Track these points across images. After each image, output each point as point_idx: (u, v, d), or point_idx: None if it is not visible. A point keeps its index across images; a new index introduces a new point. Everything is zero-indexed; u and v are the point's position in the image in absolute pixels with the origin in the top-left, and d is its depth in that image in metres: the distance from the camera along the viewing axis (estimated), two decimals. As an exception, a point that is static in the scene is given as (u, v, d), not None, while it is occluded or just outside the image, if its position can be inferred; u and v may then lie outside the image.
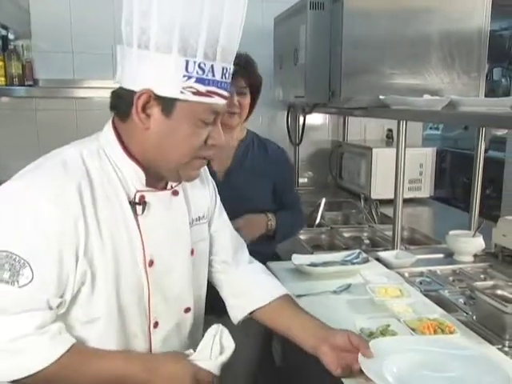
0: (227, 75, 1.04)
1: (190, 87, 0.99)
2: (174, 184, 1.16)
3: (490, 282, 1.55)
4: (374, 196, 2.88)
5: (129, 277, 1.09)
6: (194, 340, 1.22)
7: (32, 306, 0.97)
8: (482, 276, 1.86)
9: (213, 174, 1.79)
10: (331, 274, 1.73)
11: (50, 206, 0.97)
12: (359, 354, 1.14)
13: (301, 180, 3.57)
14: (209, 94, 1.01)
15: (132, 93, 1.01)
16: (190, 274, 1.22)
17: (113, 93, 1.09)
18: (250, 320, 1.37)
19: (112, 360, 1.06)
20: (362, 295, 1.56)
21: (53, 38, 3.13)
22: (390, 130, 3.50)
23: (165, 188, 1.16)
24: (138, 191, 1.09)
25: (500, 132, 2.48)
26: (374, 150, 2.96)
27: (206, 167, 1.31)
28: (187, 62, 0.98)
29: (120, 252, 1.07)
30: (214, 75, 1.01)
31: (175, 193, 1.17)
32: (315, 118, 3.53)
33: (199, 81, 0.99)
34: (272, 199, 1.95)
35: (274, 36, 3.03)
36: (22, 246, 0.96)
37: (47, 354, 0.98)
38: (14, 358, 0.96)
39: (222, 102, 1.04)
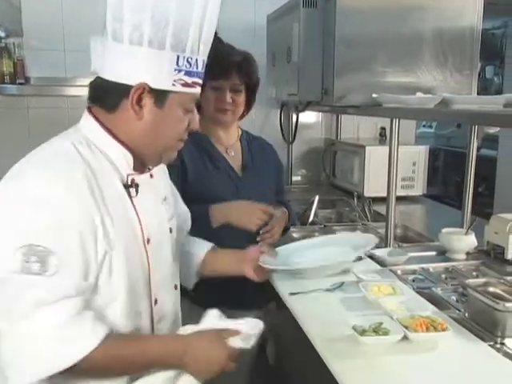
0: (204, 66, 1.15)
1: (180, 79, 1.08)
2: (150, 167, 1.24)
3: (482, 280, 1.55)
4: (367, 194, 2.88)
5: (134, 255, 1.15)
6: (177, 317, 1.32)
7: (65, 293, 1.00)
8: (474, 273, 1.86)
9: (233, 171, 1.85)
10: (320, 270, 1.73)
11: (66, 193, 1.02)
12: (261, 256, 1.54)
13: (294, 178, 3.57)
14: (193, 84, 1.12)
15: (124, 86, 1.07)
16: (174, 251, 1.32)
17: (95, 86, 1.13)
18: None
19: (148, 343, 1.12)
20: (355, 293, 1.56)
21: (44, 35, 3.11)
22: (383, 128, 3.50)
23: (143, 172, 1.22)
24: (128, 174, 1.16)
25: (492, 130, 2.48)
26: (367, 148, 2.96)
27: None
28: (178, 57, 1.07)
29: (125, 232, 1.12)
30: (197, 67, 1.11)
31: (151, 176, 1.25)
32: (308, 116, 3.53)
33: (187, 73, 1.09)
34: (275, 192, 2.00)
35: (267, 34, 3.03)
36: (45, 236, 0.99)
37: (91, 338, 1.01)
38: (63, 346, 0.99)
39: (199, 90, 1.15)
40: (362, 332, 1.28)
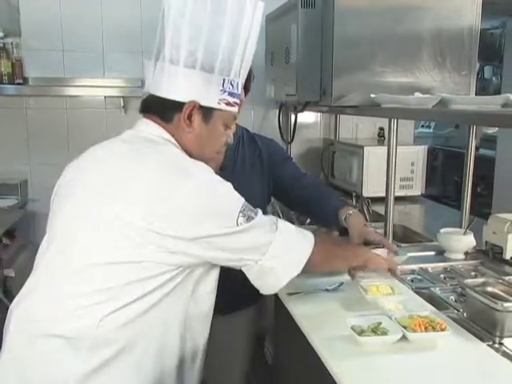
0: (242, 89, 1.32)
1: (224, 99, 1.26)
2: None
3: (480, 280, 1.55)
4: (365, 194, 2.88)
5: None
6: None
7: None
8: (472, 273, 1.86)
9: None
10: None
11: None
12: None
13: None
14: (234, 104, 1.29)
15: (178, 103, 1.23)
16: None
17: (149, 102, 1.29)
18: (243, 321, 1.39)
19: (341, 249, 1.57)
20: (355, 293, 1.56)
21: (43, 35, 3.11)
22: (381, 129, 3.50)
23: None
24: None
25: (491, 130, 2.48)
26: (365, 148, 2.96)
27: None
28: (224, 80, 1.24)
29: None
30: (237, 90, 1.29)
31: None
32: (307, 117, 3.53)
33: (230, 94, 1.26)
34: (266, 195, 1.94)
35: (266, 34, 3.03)
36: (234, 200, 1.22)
37: (311, 237, 1.35)
38: (302, 242, 1.32)
39: (237, 109, 1.32)
40: (361, 332, 1.28)
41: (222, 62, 1.23)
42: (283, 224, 1.30)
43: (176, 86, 1.23)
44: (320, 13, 2.37)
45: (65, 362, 1.12)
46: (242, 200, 1.22)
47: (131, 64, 3.17)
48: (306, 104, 2.65)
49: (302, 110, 2.84)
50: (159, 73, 1.24)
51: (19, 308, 1.20)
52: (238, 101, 1.30)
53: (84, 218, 1.16)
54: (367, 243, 1.73)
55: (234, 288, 1.61)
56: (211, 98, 1.24)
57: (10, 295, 2.52)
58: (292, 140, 3.41)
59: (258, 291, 1.35)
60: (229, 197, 1.21)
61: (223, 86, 1.24)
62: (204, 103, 1.24)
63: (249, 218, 1.20)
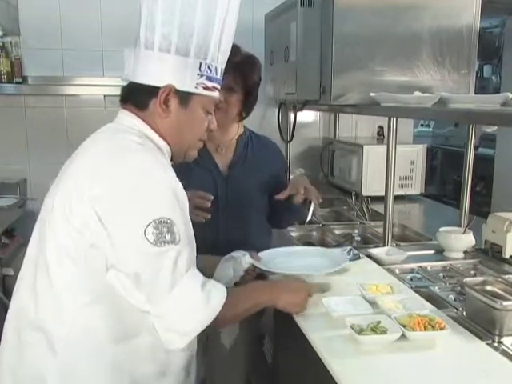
0: (222, 74, 1.30)
1: (202, 83, 1.23)
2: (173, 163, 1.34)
3: (479, 278, 1.55)
4: (365, 193, 2.88)
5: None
6: None
7: (193, 258, 1.19)
8: (472, 272, 1.87)
9: (216, 168, 1.84)
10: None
11: (171, 175, 1.17)
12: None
13: (292, 177, 3.57)
14: (213, 88, 1.26)
15: (153, 87, 1.21)
16: None
17: (127, 89, 1.27)
18: (243, 320, 1.39)
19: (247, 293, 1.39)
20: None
21: (42, 34, 3.11)
22: (380, 127, 3.50)
23: None
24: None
25: (490, 129, 2.48)
26: (364, 147, 2.96)
27: None
28: (200, 63, 1.22)
29: None
30: (216, 74, 1.26)
31: None
32: (306, 115, 3.53)
33: (208, 78, 1.23)
34: (267, 196, 1.95)
35: (265, 33, 3.02)
36: (167, 209, 1.13)
37: (223, 294, 1.20)
38: (207, 305, 1.17)
39: (218, 94, 1.29)
40: (360, 331, 1.28)
41: (197, 46, 1.21)
42: (191, 280, 1.15)
43: (151, 70, 1.21)
44: (319, 11, 2.37)
45: (43, 357, 1.13)
46: (170, 215, 1.11)
47: (130, 63, 3.17)
48: (306, 103, 2.65)
49: (301, 109, 2.84)
50: (135, 59, 1.22)
51: (13, 297, 1.25)
52: (217, 85, 1.27)
53: (47, 208, 1.19)
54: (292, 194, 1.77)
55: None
56: (188, 83, 1.22)
57: (9, 294, 2.52)
58: (291, 139, 3.40)
59: None
60: (154, 200, 1.12)
61: (200, 69, 1.22)
62: (180, 87, 1.21)
63: (160, 238, 1.09)
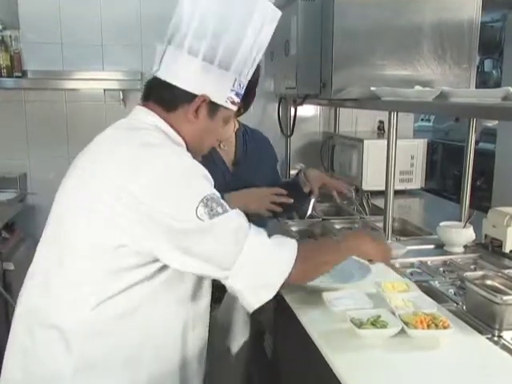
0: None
1: (231, 98, 1.28)
2: None
3: (479, 273, 1.55)
4: (365, 187, 2.88)
5: None
6: None
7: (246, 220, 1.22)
8: (472, 266, 1.87)
9: (223, 164, 1.87)
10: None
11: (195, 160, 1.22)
12: None
13: (292, 171, 3.56)
14: (237, 103, 1.31)
15: (188, 93, 1.23)
16: None
17: (154, 85, 1.28)
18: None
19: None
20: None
21: (41, 28, 3.10)
22: (381, 122, 3.49)
23: None
24: None
25: (491, 123, 2.48)
26: (365, 141, 2.95)
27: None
28: (235, 79, 1.26)
29: None
30: (242, 90, 1.31)
31: None
32: (306, 110, 3.52)
33: (236, 94, 1.29)
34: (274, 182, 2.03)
35: (265, 27, 3.01)
36: (207, 187, 1.17)
37: (293, 241, 1.26)
38: (282, 251, 1.22)
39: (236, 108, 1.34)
40: (360, 325, 1.28)
41: (239, 62, 1.25)
42: (256, 236, 1.19)
43: (191, 77, 1.23)
44: (320, 5, 2.36)
45: (59, 355, 1.13)
46: (211, 191, 1.16)
47: (130, 57, 3.17)
48: (306, 97, 2.64)
49: (301, 103, 2.84)
50: (172, 60, 1.23)
51: (21, 296, 1.23)
52: (239, 101, 1.31)
53: (68, 206, 1.19)
54: (324, 188, 1.93)
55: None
56: (221, 95, 1.26)
57: (10, 288, 2.53)
58: (291, 133, 3.40)
59: None
60: (196, 181, 1.17)
61: (233, 85, 1.26)
62: (214, 99, 1.25)
63: (212, 212, 1.13)
